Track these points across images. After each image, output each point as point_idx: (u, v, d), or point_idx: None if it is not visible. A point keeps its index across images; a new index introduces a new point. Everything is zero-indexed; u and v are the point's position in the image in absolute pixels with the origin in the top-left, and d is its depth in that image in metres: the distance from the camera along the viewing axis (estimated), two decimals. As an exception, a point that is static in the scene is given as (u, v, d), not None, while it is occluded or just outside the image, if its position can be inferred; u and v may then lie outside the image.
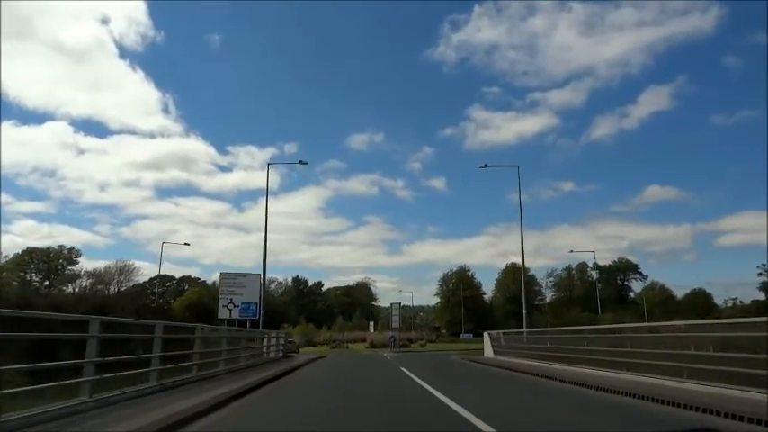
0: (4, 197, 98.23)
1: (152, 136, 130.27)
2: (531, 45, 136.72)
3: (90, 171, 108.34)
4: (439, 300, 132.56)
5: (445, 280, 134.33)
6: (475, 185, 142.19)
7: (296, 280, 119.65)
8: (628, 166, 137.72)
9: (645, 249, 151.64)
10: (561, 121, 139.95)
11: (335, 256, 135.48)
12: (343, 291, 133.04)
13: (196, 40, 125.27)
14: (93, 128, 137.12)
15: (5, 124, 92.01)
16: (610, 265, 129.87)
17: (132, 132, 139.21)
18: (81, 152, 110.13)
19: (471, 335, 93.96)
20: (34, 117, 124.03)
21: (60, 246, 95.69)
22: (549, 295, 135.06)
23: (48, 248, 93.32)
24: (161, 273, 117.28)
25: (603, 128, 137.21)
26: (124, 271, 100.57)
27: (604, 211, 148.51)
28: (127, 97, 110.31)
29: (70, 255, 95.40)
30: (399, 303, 43.77)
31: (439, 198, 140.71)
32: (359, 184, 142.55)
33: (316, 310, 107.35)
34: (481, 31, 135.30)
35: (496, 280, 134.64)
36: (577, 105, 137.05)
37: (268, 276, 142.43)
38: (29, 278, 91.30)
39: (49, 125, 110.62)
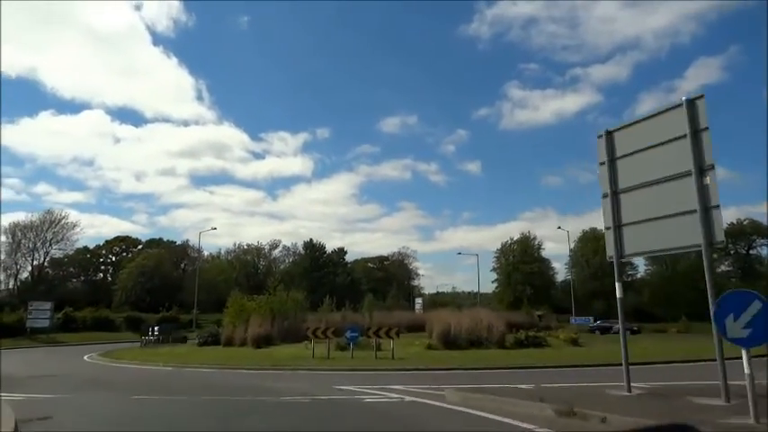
0: (46, 187, 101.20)
1: (186, 124, 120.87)
2: (571, 17, 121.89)
3: (126, 160, 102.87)
4: (497, 277, 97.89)
5: (504, 251, 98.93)
6: (510, 168, 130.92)
7: (309, 245, 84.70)
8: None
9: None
10: (604, 98, 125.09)
11: (368, 243, 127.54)
12: (375, 263, 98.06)
13: (225, 22, 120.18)
14: (128, 116, 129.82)
15: (44, 114, 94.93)
16: (729, 225, 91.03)
17: (167, 120, 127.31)
18: (117, 141, 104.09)
19: (591, 319, 57.47)
20: (71, 107, 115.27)
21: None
22: (642, 269, 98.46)
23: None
24: (124, 235, 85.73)
25: (648, 104, 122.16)
26: (53, 225, 66.14)
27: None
28: (161, 84, 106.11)
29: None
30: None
31: (473, 182, 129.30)
32: (391, 169, 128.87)
33: (335, 285, 71.99)
34: (517, 3, 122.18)
35: (571, 251, 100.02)
36: (621, 81, 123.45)
37: (269, 238, 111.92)
38: None
39: (85, 114, 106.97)
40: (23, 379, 15.93)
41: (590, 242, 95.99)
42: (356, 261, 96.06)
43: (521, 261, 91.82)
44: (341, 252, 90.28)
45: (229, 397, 11.06)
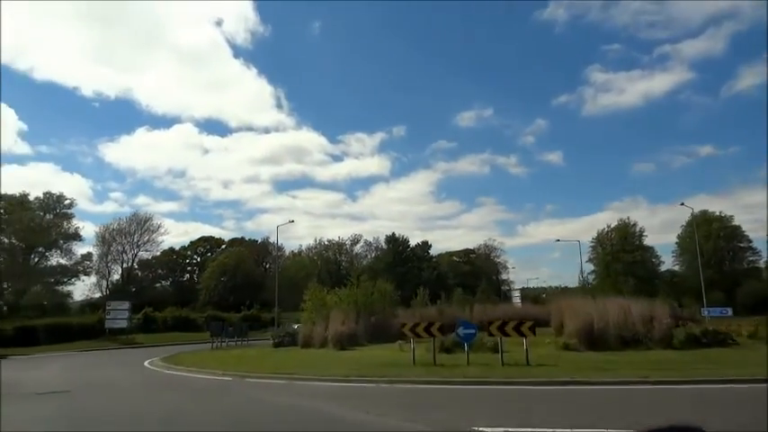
0: (145, 199, 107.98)
1: (267, 131, 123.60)
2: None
3: (214, 169, 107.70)
4: (593, 268, 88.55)
5: (600, 240, 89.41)
6: (595, 157, 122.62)
7: (391, 239, 79.85)
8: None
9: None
10: (697, 75, 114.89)
11: (448, 240, 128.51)
12: (460, 256, 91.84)
13: (299, 30, 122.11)
14: (214, 127, 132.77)
15: (140, 130, 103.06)
16: None
17: (250, 129, 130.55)
18: (206, 152, 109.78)
19: (729, 311, 48.43)
20: (164, 122, 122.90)
21: (47, 193, 62.53)
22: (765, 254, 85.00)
23: (21, 195, 60.37)
24: (208, 235, 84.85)
25: (749, 78, 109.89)
26: (140, 227, 65.65)
27: (750, 176, 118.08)
28: (243, 95, 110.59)
29: (57, 203, 62.19)
30: None
31: (556, 173, 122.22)
32: (469, 164, 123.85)
33: (421, 280, 66.48)
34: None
35: (678, 237, 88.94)
36: (716, 55, 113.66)
37: (349, 234, 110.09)
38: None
39: (176, 128, 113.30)
40: (22, 397, 11.73)
41: (700, 227, 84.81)
42: (441, 255, 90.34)
43: (620, 250, 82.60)
44: (425, 246, 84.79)
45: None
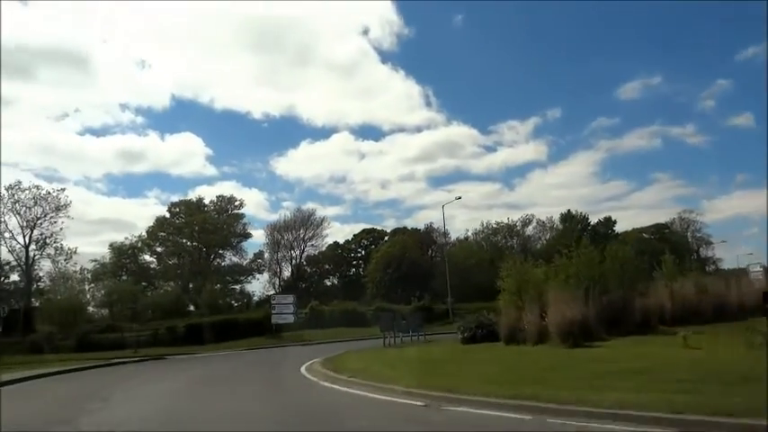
0: (312, 205, 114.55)
1: (419, 130, 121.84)
2: None
3: (372, 172, 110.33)
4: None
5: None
6: None
7: (567, 217, 70.01)
8: None
9: None
10: None
11: (619, 222, 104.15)
12: (650, 232, 77.73)
13: (442, 26, 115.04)
14: (369, 132, 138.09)
15: (304, 143, 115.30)
16: None
17: (402, 130, 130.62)
18: (362, 156, 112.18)
19: None
20: (323, 133, 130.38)
21: (219, 196, 64.21)
22: None
23: (197, 200, 62.36)
24: (370, 227, 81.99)
25: None
26: (305, 222, 64.80)
27: None
28: (393, 98, 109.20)
29: (229, 204, 63.41)
30: None
31: (745, 138, 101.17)
32: (636, 139, 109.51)
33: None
34: None
35: None
36: None
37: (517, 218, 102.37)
38: (189, 244, 61.36)
39: (334, 137, 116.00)
40: None
41: None
42: (626, 232, 77.18)
43: None
44: (608, 222, 72.54)
45: None
